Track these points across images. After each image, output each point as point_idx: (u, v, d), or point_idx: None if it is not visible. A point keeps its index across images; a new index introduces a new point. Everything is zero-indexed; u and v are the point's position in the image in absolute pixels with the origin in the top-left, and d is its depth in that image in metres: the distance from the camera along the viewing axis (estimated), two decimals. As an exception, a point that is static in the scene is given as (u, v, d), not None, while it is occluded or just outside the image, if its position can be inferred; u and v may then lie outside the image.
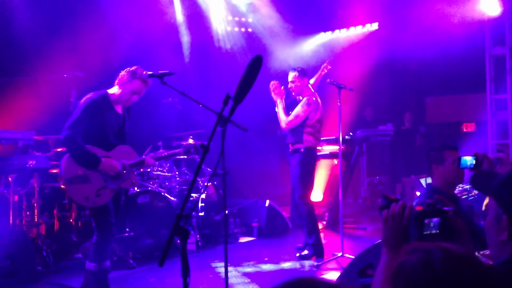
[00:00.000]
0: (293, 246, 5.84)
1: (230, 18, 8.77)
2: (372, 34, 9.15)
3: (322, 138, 7.16)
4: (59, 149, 5.62)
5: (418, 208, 1.48)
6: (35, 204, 5.27)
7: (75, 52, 6.24)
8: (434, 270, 0.97)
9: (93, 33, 6.52)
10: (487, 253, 1.58)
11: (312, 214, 5.58)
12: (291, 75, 5.59)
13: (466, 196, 5.84)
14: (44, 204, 5.44)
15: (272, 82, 5.62)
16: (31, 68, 5.76)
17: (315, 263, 5.24)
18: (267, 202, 6.78)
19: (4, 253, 4.54)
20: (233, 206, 6.86)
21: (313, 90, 5.67)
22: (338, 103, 5.39)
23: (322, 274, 4.96)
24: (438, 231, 1.44)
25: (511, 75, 7.13)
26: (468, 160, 2.98)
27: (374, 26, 9.08)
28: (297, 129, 5.54)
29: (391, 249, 1.55)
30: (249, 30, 8.93)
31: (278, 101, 5.57)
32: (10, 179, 5.05)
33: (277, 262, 5.41)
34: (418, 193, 6.97)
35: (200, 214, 6.29)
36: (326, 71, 5.96)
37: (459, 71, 8.74)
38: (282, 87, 5.61)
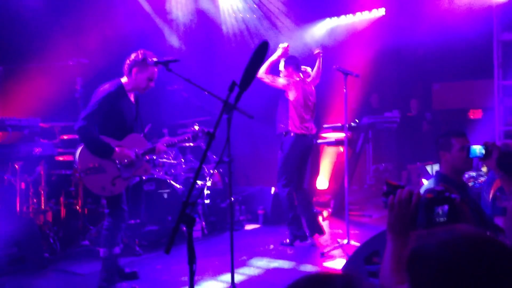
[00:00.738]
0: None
1: (236, 3, 8.69)
2: (378, 20, 9.04)
3: (327, 125, 7.15)
4: (65, 137, 5.63)
5: (429, 195, 1.47)
6: (42, 192, 5.30)
7: (80, 39, 6.22)
8: (459, 252, 0.95)
9: (98, 20, 6.49)
10: None
11: (288, 204, 5.57)
12: (281, 64, 5.71)
13: (473, 183, 5.82)
14: (51, 192, 5.47)
15: (286, 44, 5.71)
16: (36, 55, 5.74)
17: (323, 250, 5.24)
18: (273, 189, 6.78)
19: (12, 240, 4.58)
20: (239, 193, 6.87)
21: (300, 77, 5.70)
22: (344, 90, 5.35)
23: (327, 262, 4.97)
24: (446, 219, 1.43)
25: (520, 61, 7.05)
26: (478, 149, 2.95)
27: (381, 11, 8.97)
28: (284, 111, 5.53)
29: (397, 235, 1.53)
30: (254, 16, 8.85)
31: (276, 56, 5.63)
32: (16, 166, 5.07)
33: (282, 250, 5.43)
34: (424, 180, 6.95)
35: (206, 201, 6.30)
36: (318, 50, 5.88)
37: (467, 57, 8.65)
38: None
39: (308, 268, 4.82)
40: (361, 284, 0.94)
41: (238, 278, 4.33)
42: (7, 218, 4.81)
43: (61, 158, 5.62)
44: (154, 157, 5.82)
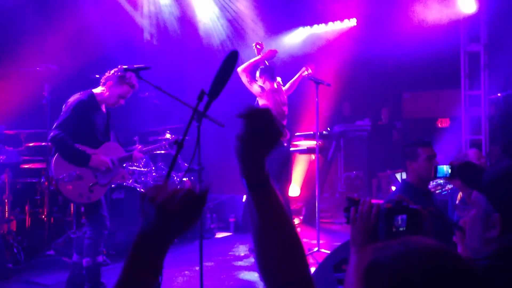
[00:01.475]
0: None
1: (208, 12, 8.68)
2: (350, 29, 9.18)
3: (299, 133, 7.20)
4: (31, 144, 5.51)
5: (387, 205, 1.49)
6: (6, 200, 5.16)
7: (48, 45, 6.10)
8: (412, 264, 0.95)
9: (67, 26, 6.38)
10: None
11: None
12: (256, 73, 5.75)
13: (440, 190, 5.93)
14: (16, 200, 5.33)
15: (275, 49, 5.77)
16: (3, 60, 5.62)
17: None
18: (244, 197, 6.77)
19: (-26, 251, 4.43)
20: (210, 201, 6.83)
21: (274, 87, 5.73)
22: (316, 99, 5.40)
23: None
24: (405, 228, 1.45)
25: (485, 71, 7.24)
26: (445, 168, 3.03)
27: (353, 22, 9.11)
28: None
29: (360, 249, 1.55)
30: (228, 24, 8.86)
31: (260, 57, 5.67)
32: (-20, 174, 4.93)
33: (251, 257, 5.41)
34: (393, 188, 7.05)
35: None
36: (307, 73, 5.92)
37: (435, 67, 8.85)
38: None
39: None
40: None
41: (207, 285, 4.28)
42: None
43: (26, 166, 5.48)
44: (124, 165, 5.74)
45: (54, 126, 3.95)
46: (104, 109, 4.23)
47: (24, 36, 6.01)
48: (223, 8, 8.71)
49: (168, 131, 6.20)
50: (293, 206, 7.88)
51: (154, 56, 7.65)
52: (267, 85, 5.66)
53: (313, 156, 7.18)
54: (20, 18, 6.09)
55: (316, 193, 5.56)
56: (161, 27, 8.14)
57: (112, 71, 4.15)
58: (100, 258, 4.13)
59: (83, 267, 4.05)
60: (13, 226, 5.21)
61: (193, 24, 8.53)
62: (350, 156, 9.54)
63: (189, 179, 6.67)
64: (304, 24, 9.41)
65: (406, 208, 1.45)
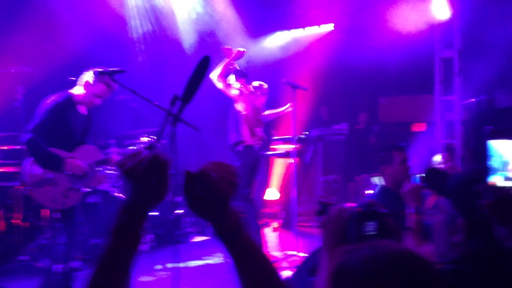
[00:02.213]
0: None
1: (187, 15, 8.65)
2: (328, 34, 9.27)
3: (277, 137, 7.23)
4: (4, 147, 5.40)
5: (358, 210, 1.51)
6: (-22, 205, 5.04)
7: (22, 46, 6.00)
8: (379, 267, 0.97)
9: (42, 27, 6.28)
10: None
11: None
12: (231, 78, 5.73)
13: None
14: (-12, 205, 5.21)
15: (243, 49, 5.73)
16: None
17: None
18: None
19: None
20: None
21: (251, 90, 5.75)
22: (293, 103, 5.44)
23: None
24: (375, 232, 1.47)
25: (459, 77, 7.39)
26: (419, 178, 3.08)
27: (330, 27, 9.20)
28: (234, 123, 5.63)
29: (331, 252, 1.56)
30: (205, 27, 8.85)
31: (227, 60, 5.64)
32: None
33: (229, 262, 5.39)
34: (370, 192, 7.12)
35: (154, 213, 6.19)
36: (291, 109, 5.91)
37: (411, 72, 8.99)
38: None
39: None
40: None
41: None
42: None
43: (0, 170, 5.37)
44: (101, 169, 5.68)
45: (28, 129, 3.85)
46: (82, 111, 4.15)
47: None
48: (203, 11, 8.69)
49: (145, 134, 6.15)
50: (272, 210, 7.90)
51: (132, 58, 7.60)
52: (244, 88, 5.68)
53: (291, 160, 7.21)
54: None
55: (294, 197, 5.59)
56: (141, 27, 8.08)
57: (89, 70, 4.08)
58: (74, 264, 4.07)
59: (56, 273, 3.97)
60: (-15, 231, 5.10)
61: (172, 26, 8.50)
62: (328, 160, 9.59)
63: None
64: (282, 28, 9.46)
65: (376, 212, 1.48)
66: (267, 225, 7.49)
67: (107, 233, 1.15)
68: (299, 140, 7.49)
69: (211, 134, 7.64)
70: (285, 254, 5.39)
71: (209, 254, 5.72)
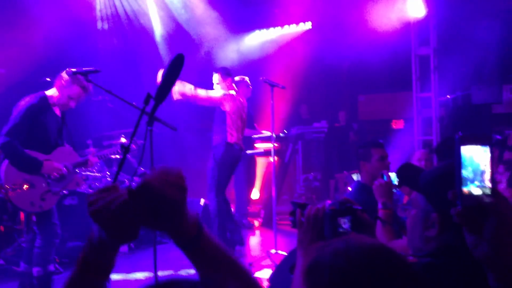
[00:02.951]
0: (227, 245, 5.82)
1: (163, 14, 8.59)
2: (305, 33, 9.30)
3: (256, 136, 7.23)
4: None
5: (332, 207, 1.52)
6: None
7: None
8: (350, 260, 0.96)
9: (15, 29, 6.16)
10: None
11: (216, 212, 5.59)
12: (215, 77, 5.67)
13: (394, 190, 6.07)
14: (-38, 209, 5.09)
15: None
16: None
17: (252, 259, 5.25)
18: (202, 200, 6.72)
19: None
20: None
21: (235, 89, 5.72)
22: (271, 101, 5.43)
23: (256, 272, 4.98)
24: (350, 229, 1.48)
25: (435, 74, 7.49)
26: (392, 176, 3.10)
27: (308, 25, 9.23)
28: (221, 123, 5.59)
29: (307, 251, 1.56)
30: (183, 26, 8.80)
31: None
32: None
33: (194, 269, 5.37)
34: (350, 189, 7.18)
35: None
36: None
37: (389, 70, 9.09)
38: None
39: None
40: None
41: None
42: None
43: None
44: (77, 171, 5.60)
45: (4, 132, 3.79)
46: (57, 112, 4.10)
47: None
48: (180, 9, 8.64)
49: (123, 135, 6.08)
50: (253, 209, 7.90)
51: (108, 58, 7.51)
52: (230, 88, 5.64)
53: (271, 159, 7.22)
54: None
55: (273, 195, 5.59)
56: (115, 25, 8.00)
57: (64, 71, 4.01)
58: (52, 267, 4.03)
59: (34, 276, 3.91)
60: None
61: (147, 23, 8.43)
62: (308, 158, 9.64)
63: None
64: (261, 27, 9.47)
65: (350, 209, 1.49)
66: (249, 223, 7.48)
67: (74, 262, 1.08)
68: (278, 139, 7.49)
69: (188, 133, 7.60)
70: (266, 252, 5.39)
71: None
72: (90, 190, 5.66)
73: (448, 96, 7.28)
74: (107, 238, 1.06)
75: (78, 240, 5.30)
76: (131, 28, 8.26)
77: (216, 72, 5.72)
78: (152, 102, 2.13)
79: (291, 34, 9.37)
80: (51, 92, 4.03)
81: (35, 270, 3.91)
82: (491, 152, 1.06)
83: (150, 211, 1.02)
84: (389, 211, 2.58)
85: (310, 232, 1.53)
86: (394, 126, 9.73)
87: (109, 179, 6.05)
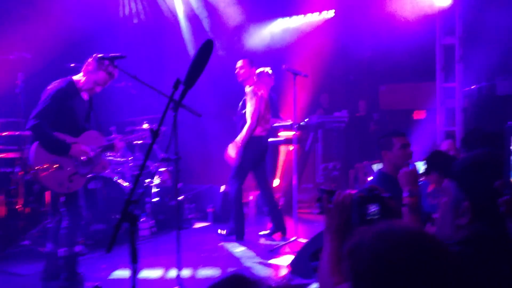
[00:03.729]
0: (247, 231, 5.87)
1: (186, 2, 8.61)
2: (328, 21, 9.22)
3: (277, 124, 7.24)
4: (5, 133, 5.41)
5: (360, 194, 1.53)
6: (-20, 190, 5.06)
7: (22, 33, 5.98)
8: (389, 242, 0.99)
9: (42, 14, 6.26)
10: None
11: (235, 199, 5.63)
12: (240, 62, 5.75)
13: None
14: (-10, 190, 5.24)
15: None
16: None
17: (272, 246, 5.30)
18: (222, 187, 6.78)
19: None
20: (189, 191, 6.82)
21: (255, 80, 5.79)
22: (293, 89, 5.43)
23: (275, 258, 5.02)
24: (378, 216, 1.49)
25: (460, 64, 7.36)
26: (420, 165, 3.10)
27: (330, 13, 9.15)
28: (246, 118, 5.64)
29: (335, 236, 1.58)
30: (205, 14, 8.80)
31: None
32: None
33: (231, 247, 5.44)
34: (370, 178, 7.15)
35: (155, 199, 6.22)
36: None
37: (412, 60, 8.95)
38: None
39: (257, 264, 4.85)
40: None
41: (185, 274, 4.30)
42: None
43: (0, 156, 5.38)
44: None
45: (33, 115, 3.88)
46: (85, 96, 4.17)
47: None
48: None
49: (146, 121, 6.16)
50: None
51: (134, 43, 7.58)
52: (261, 90, 5.68)
53: (291, 147, 7.22)
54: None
55: (294, 184, 5.61)
56: (141, 12, 8.05)
57: (92, 57, 4.09)
58: (77, 248, 4.13)
59: (60, 257, 4.00)
60: (-13, 216, 5.13)
61: (172, 11, 8.46)
62: (328, 147, 9.61)
63: (168, 169, 6.65)
64: (283, 15, 9.41)
65: (377, 196, 1.50)
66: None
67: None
68: (299, 127, 7.49)
69: (211, 120, 7.65)
70: (286, 239, 5.43)
71: (210, 239, 5.76)
72: (114, 175, 5.76)
73: (473, 86, 7.14)
74: None
75: (103, 222, 5.41)
76: (155, 17, 8.30)
77: (244, 58, 5.80)
78: (181, 87, 2.17)
79: (314, 23, 9.30)
80: (78, 77, 4.11)
81: (61, 251, 4.00)
82: None
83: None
84: (415, 199, 2.58)
85: (338, 218, 1.55)
86: (415, 117, 9.61)
87: (131, 164, 6.15)
